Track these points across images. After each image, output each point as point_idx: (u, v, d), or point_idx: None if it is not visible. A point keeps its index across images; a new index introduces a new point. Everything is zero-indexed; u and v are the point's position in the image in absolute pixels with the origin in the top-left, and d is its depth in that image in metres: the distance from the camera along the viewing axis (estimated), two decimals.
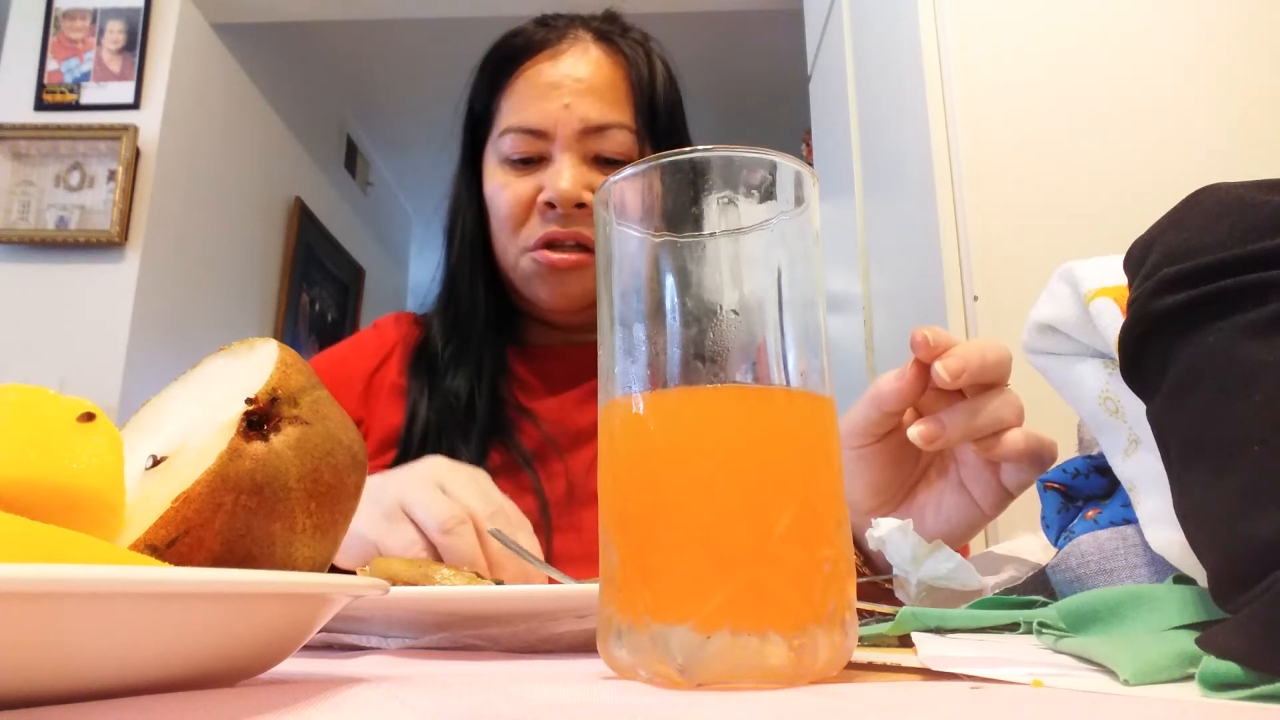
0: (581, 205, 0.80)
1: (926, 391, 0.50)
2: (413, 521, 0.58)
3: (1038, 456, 0.49)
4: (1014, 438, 0.48)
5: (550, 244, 0.80)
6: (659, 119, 0.84)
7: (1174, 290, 0.27)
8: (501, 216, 0.83)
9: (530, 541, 0.59)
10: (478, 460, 0.78)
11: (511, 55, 0.84)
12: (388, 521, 0.58)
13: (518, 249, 0.82)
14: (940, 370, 0.47)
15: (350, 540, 0.57)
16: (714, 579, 0.26)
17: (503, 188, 0.82)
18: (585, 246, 0.81)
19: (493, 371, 0.84)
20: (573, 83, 0.81)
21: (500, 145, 0.83)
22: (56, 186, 2.46)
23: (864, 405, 0.52)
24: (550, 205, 0.79)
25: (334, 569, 0.63)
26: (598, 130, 0.80)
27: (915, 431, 0.48)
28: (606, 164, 0.81)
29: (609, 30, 0.86)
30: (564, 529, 0.77)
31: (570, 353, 0.88)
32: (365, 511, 0.57)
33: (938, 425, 0.48)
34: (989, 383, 0.49)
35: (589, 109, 0.80)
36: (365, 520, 0.58)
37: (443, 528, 0.56)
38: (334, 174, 3.80)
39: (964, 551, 0.64)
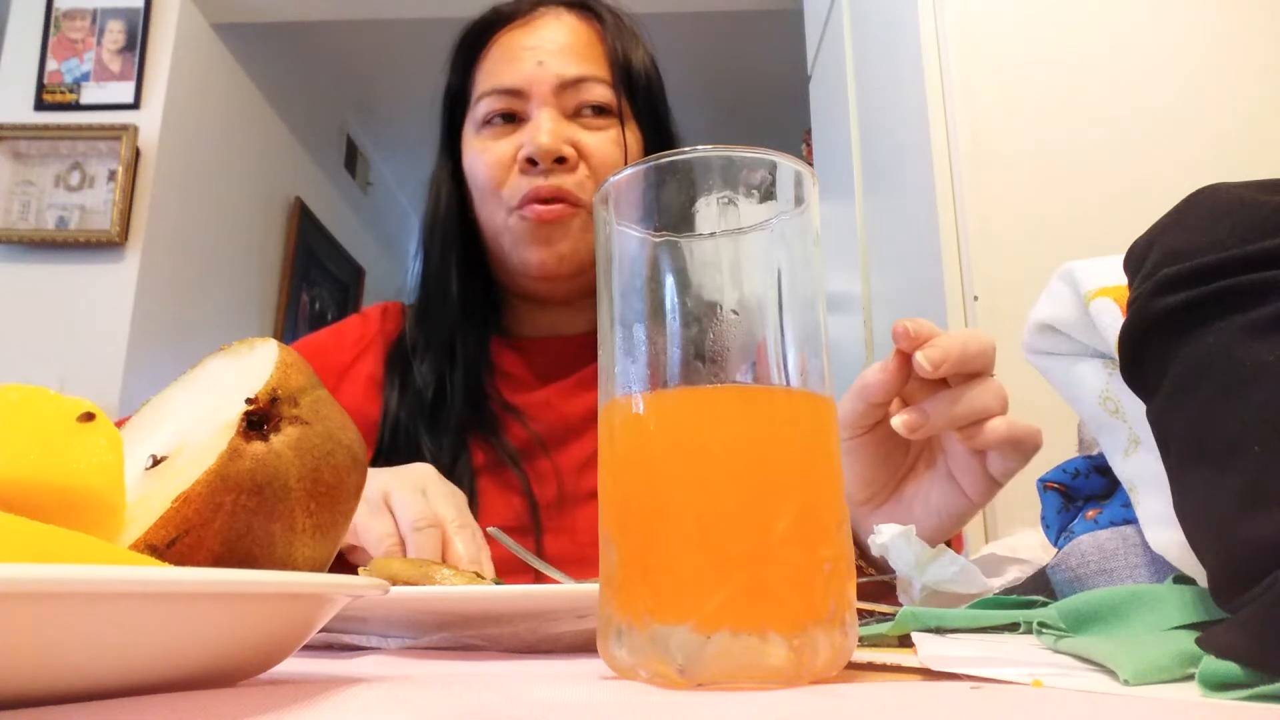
0: (562, 160, 0.77)
1: (911, 382, 0.50)
2: (392, 516, 0.60)
3: (1020, 443, 0.49)
4: (997, 425, 0.48)
5: (534, 200, 0.77)
6: (635, 80, 0.82)
7: (1174, 290, 0.27)
8: (481, 181, 0.80)
9: (488, 566, 0.60)
10: (454, 456, 0.77)
11: (484, 29, 0.84)
12: (370, 511, 0.60)
13: (504, 210, 0.79)
14: (921, 360, 0.47)
15: None
16: (714, 579, 0.26)
17: (481, 152, 0.80)
18: (570, 201, 0.78)
19: (470, 360, 0.81)
20: (547, 43, 0.80)
21: (477, 111, 0.81)
22: (56, 186, 2.46)
23: (850, 398, 0.53)
24: (531, 161, 0.77)
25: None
26: (574, 83, 0.79)
27: (899, 420, 0.48)
28: (587, 114, 0.79)
29: (582, 0, 0.85)
30: (555, 530, 0.76)
31: (558, 343, 0.85)
32: None
33: (920, 414, 0.48)
34: (973, 372, 0.49)
35: (564, 64, 0.79)
36: None
37: (415, 525, 0.58)
38: (334, 174, 3.80)
39: (957, 542, 0.64)
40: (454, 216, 0.84)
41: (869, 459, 0.54)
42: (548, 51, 0.79)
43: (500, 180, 0.79)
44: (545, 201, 0.77)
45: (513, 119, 0.80)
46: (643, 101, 0.83)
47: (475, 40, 0.84)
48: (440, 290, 0.83)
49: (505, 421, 0.80)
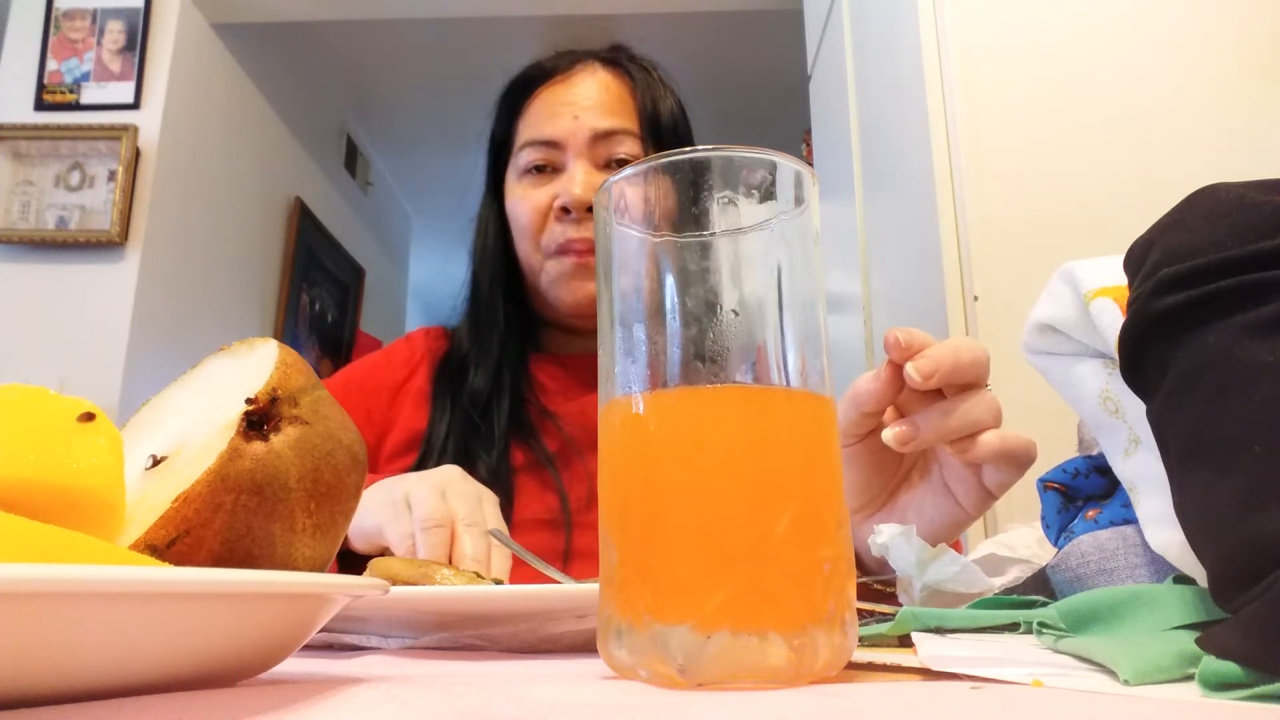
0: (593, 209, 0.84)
1: (905, 391, 0.50)
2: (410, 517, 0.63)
3: (1014, 456, 0.49)
4: (989, 439, 0.48)
5: (568, 250, 0.86)
6: (664, 130, 0.89)
7: (1174, 290, 0.27)
8: (522, 225, 0.88)
9: (499, 564, 0.62)
10: (500, 460, 0.83)
11: (527, 82, 0.92)
12: (393, 511, 0.63)
13: (540, 254, 0.88)
14: (912, 371, 0.47)
15: (364, 524, 0.65)
16: (714, 579, 0.26)
17: (521, 199, 0.88)
18: None
19: (514, 372, 0.89)
20: (583, 99, 0.88)
21: (518, 160, 0.90)
22: (56, 186, 2.45)
23: (843, 406, 0.53)
24: (565, 210, 0.85)
25: (345, 552, 0.68)
26: (606, 136, 0.86)
27: (890, 434, 0.48)
28: (617, 165, 0.86)
29: (616, 57, 0.93)
30: (585, 525, 0.81)
31: (590, 359, 0.90)
32: (378, 499, 0.65)
33: (912, 427, 0.48)
34: (965, 383, 0.49)
35: (597, 119, 0.87)
36: (376, 507, 0.65)
37: (423, 525, 0.61)
38: (334, 174, 3.80)
39: (955, 549, 0.64)
40: (500, 252, 0.93)
41: (863, 467, 0.54)
42: (583, 107, 0.87)
43: (538, 226, 0.87)
44: (580, 252, 0.85)
45: (550, 169, 0.88)
46: (669, 144, 0.89)
47: (520, 92, 0.92)
48: (489, 316, 0.92)
49: (544, 426, 0.88)
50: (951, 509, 0.53)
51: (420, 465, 0.83)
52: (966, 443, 0.48)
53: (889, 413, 0.52)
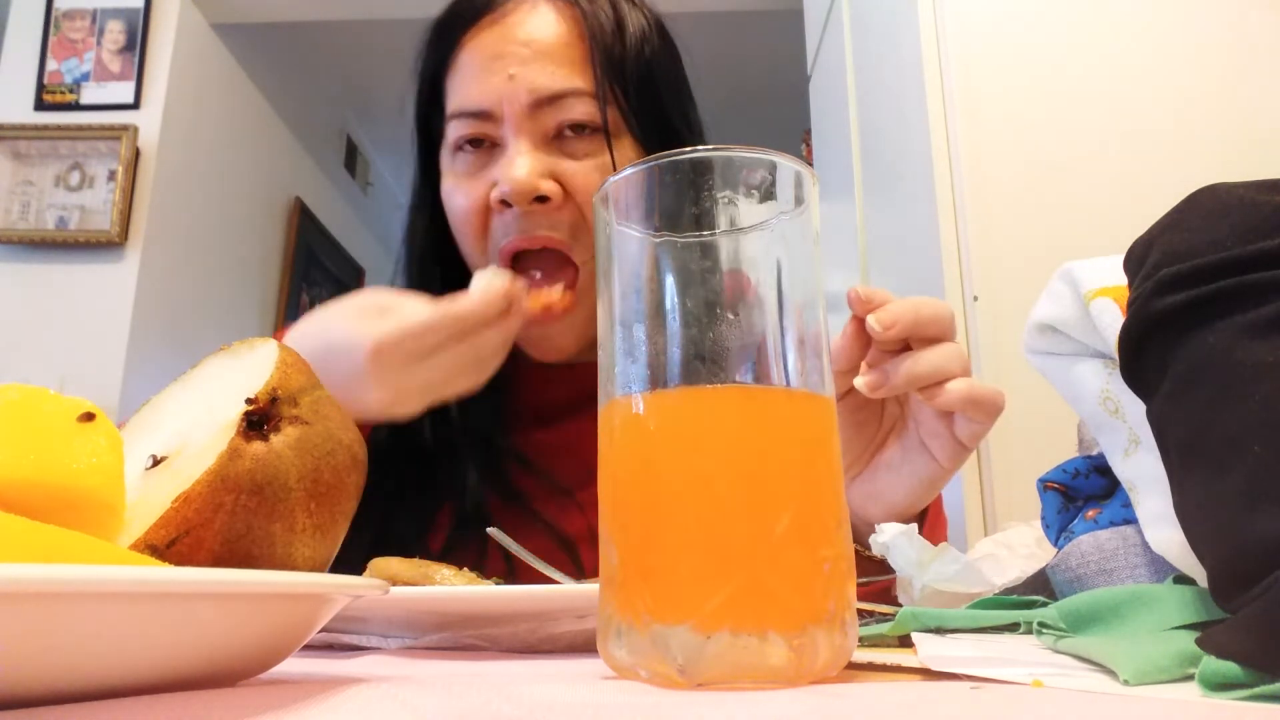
0: (544, 199, 0.65)
1: (876, 353, 0.51)
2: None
3: (981, 403, 0.50)
4: (956, 385, 0.49)
5: (517, 257, 0.67)
6: (629, 77, 0.69)
7: (1174, 290, 0.27)
8: (459, 225, 0.69)
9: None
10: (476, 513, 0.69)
11: (453, 23, 0.71)
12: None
13: (488, 261, 0.68)
14: (872, 322, 0.48)
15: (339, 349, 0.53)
16: (714, 579, 0.26)
17: (454, 189, 0.69)
18: (562, 254, 0.66)
19: (478, 412, 0.71)
20: (518, 48, 0.67)
21: (449, 133, 0.70)
22: (56, 186, 2.46)
23: None
24: (505, 204, 0.65)
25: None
26: (550, 101, 0.66)
27: (861, 381, 0.50)
28: (570, 135, 0.67)
29: None
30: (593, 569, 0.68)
31: (574, 371, 0.74)
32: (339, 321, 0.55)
33: (881, 374, 0.49)
34: (931, 337, 0.50)
35: (537, 76, 0.66)
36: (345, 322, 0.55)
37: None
38: (334, 174, 3.80)
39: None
40: (430, 253, 0.74)
41: (841, 428, 0.55)
42: (520, 58, 0.66)
43: (479, 227, 0.68)
44: (534, 254, 0.66)
45: (489, 143, 0.68)
46: (639, 102, 0.69)
47: (444, 36, 0.72)
48: None
49: (523, 477, 0.72)
50: (928, 464, 0.54)
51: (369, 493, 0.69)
52: (935, 389, 0.49)
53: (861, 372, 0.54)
